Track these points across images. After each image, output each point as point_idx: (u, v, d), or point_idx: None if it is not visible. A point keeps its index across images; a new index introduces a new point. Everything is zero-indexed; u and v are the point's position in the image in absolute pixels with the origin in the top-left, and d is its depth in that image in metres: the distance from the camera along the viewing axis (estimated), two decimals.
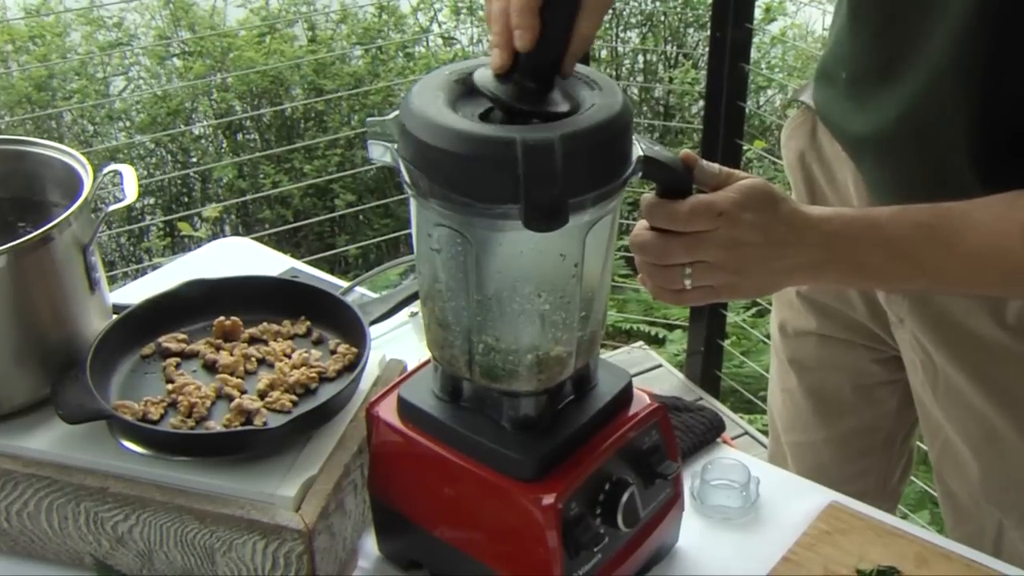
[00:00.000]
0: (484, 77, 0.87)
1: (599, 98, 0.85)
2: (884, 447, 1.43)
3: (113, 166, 1.13)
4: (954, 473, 1.24)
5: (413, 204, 0.87)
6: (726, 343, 3.10)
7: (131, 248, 4.41)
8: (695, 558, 1.08)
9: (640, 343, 3.30)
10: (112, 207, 1.09)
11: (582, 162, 0.81)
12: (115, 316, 1.13)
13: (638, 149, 0.87)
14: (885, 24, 1.06)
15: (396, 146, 0.85)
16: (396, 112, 0.86)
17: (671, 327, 3.49)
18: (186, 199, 4.53)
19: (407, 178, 0.84)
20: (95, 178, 1.09)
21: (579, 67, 0.89)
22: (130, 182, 1.12)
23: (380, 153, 0.87)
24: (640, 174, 0.87)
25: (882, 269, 0.98)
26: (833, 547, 1.08)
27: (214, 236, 3.81)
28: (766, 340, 1.41)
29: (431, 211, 0.85)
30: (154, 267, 1.60)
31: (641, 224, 0.94)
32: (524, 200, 0.78)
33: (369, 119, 0.87)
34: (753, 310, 3.48)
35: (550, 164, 0.78)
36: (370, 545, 1.08)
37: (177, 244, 4.18)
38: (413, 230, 0.90)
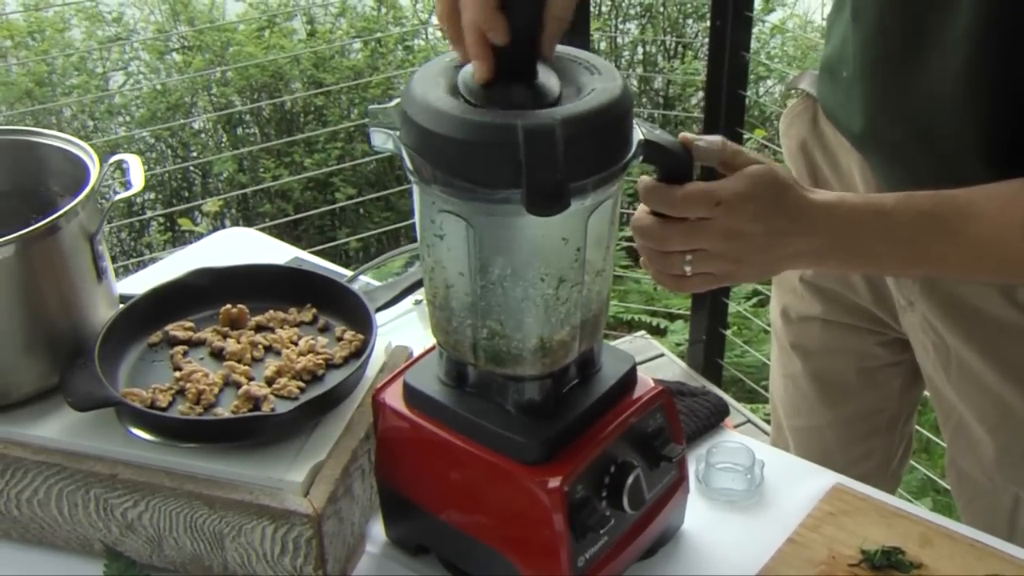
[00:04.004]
0: (469, 85, 0.86)
1: (599, 82, 0.85)
2: (887, 429, 1.44)
3: (119, 156, 1.14)
4: (968, 453, 1.24)
5: (416, 191, 0.88)
6: (728, 332, 3.10)
7: (132, 243, 4.40)
8: (700, 540, 1.09)
9: (642, 333, 3.30)
10: (119, 196, 1.10)
11: (583, 146, 0.81)
12: (122, 305, 1.14)
13: (639, 133, 0.87)
14: (889, 24, 1.06)
15: (398, 133, 0.86)
16: (398, 100, 0.86)
17: (673, 317, 3.48)
18: (187, 194, 4.53)
19: (410, 165, 0.84)
20: (101, 168, 1.10)
21: (578, 52, 0.90)
22: (136, 171, 1.12)
23: (382, 141, 0.87)
24: (641, 158, 0.88)
25: (885, 256, 0.99)
26: (838, 528, 1.09)
27: (214, 231, 3.81)
28: (768, 329, 1.42)
29: (434, 197, 0.85)
30: (155, 262, 1.61)
31: (643, 208, 0.94)
32: (526, 185, 0.79)
33: (371, 107, 0.87)
34: (754, 300, 3.48)
35: (551, 149, 0.78)
36: (378, 530, 1.08)
37: (178, 239, 4.18)
38: (416, 217, 0.90)
